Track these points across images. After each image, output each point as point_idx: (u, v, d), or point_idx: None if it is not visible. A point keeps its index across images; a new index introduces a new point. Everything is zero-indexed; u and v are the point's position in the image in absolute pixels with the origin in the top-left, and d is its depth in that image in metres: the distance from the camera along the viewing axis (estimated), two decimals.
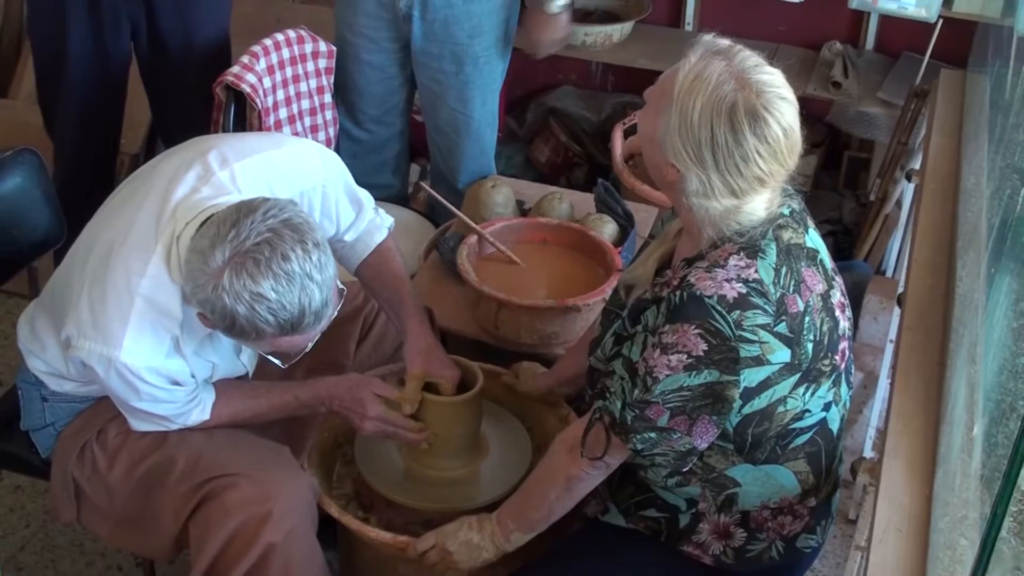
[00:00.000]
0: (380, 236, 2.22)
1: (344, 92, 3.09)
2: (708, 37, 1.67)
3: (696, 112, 1.60)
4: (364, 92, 3.10)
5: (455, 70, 2.96)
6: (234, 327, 1.73)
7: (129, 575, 2.61)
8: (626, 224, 2.71)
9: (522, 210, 2.85)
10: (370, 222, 2.19)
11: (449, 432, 2.10)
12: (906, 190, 3.16)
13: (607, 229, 2.66)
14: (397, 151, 3.28)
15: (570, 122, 4.00)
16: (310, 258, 1.72)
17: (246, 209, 1.73)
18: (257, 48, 2.82)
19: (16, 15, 3.87)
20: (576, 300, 2.36)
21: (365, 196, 2.19)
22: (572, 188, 3.43)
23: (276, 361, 1.92)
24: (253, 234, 1.69)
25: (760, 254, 1.67)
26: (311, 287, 1.72)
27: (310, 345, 1.86)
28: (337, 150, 3.12)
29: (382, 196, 3.14)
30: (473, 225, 2.55)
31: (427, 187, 2.76)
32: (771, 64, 1.66)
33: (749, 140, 1.60)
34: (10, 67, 3.87)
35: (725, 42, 1.66)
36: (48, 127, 3.07)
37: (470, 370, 2.13)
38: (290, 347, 1.83)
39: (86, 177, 3.03)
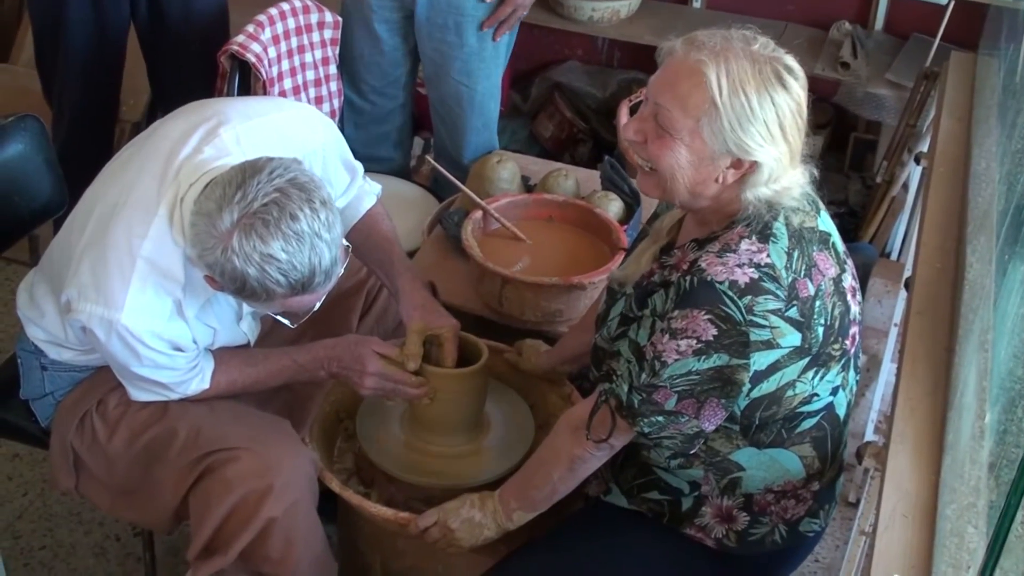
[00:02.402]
0: (369, 201, 2.21)
1: (347, 62, 3.07)
2: (673, 44, 1.66)
3: (754, 99, 1.59)
4: (366, 62, 3.07)
5: (460, 42, 2.93)
6: (244, 289, 1.72)
7: (127, 545, 2.61)
8: (632, 202, 2.69)
9: (527, 186, 2.83)
10: (360, 188, 2.18)
11: (453, 406, 2.08)
12: (913, 173, 3.14)
13: (613, 207, 2.64)
14: (399, 124, 3.25)
15: (575, 98, 3.97)
16: (318, 217, 1.70)
17: (251, 170, 1.71)
18: (262, 17, 2.78)
19: None
20: (581, 278, 2.35)
21: (357, 164, 2.19)
22: (576, 164, 3.41)
23: (285, 321, 1.91)
24: (260, 195, 1.68)
25: (772, 238, 1.65)
26: (320, 246, 1.71)
27: (318, 304, 1.85)
28: (341, 121, 3.10)
29: (383, 169, 3.13)
30: (478, 201, 2.53)
31: (433, 161, 2.73)
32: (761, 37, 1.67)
33: (796, 90, 1.63)
34: (11, 32, 3.84)
35: (699, 36, 1.64)
36: (47, 94, 3.06)
37: (475, 345, 2.11)
38: (299, 306, 1.82)
39: (85, 144, 3.02)
